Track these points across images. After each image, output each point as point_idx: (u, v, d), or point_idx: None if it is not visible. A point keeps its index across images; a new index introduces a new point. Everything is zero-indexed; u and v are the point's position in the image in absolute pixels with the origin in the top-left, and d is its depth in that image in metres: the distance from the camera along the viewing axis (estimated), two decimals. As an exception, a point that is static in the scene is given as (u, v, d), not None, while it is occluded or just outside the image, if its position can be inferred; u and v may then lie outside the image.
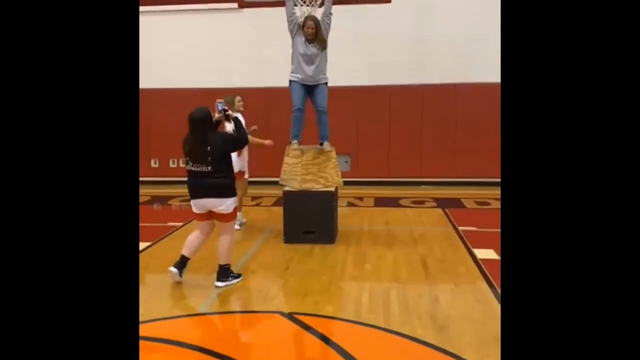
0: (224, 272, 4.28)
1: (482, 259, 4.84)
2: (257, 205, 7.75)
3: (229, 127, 4.84)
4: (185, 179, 4.20)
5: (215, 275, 4.30)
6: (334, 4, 5.55)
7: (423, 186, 9.02)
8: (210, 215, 4.22)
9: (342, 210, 6.74)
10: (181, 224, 6.51)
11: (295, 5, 5.62)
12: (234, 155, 4.51)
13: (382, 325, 3.44)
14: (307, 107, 5.74)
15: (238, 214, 5.10)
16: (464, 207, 7.53)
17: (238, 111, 5.58)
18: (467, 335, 3.27)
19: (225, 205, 4.11)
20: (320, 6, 5.69)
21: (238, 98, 5.85)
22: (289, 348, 3.30)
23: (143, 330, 3.16)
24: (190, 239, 4.34)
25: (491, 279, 4.29)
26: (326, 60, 5.63)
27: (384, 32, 8.88)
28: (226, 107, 4.38)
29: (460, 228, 6.08)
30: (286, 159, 5.87)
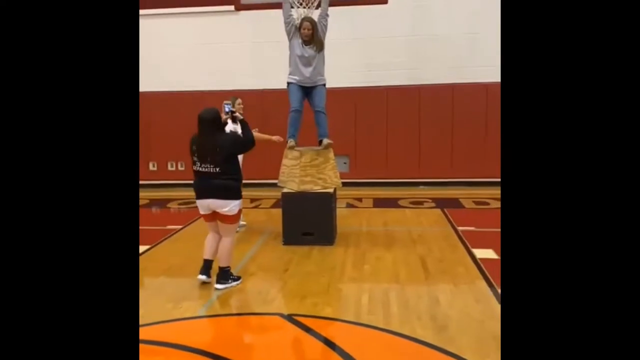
0: (224, 275, 4.29)
1: (481, 259, 4.85)
2: (256, 207, 7.75)
3: (228, 128, 4.85)
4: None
5: (214, 278, 4.30)
6: (330, 5, 5.56)
7: (421, 187, 9.03)
8: (215, 215, 4.22)
9: (341, 212, 6.74)
10: (180, 226, 6.51)
11: (292, 7, 5.63)
12: None
13: (382, 326, 3.44)
14: (305, 108, 5.75)
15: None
16: (463, 207, 7.54)
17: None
18: (467, 335, 3.28)
19: (229, 207, 4.11)
20: (316, 8, 5.70)
21: (239, 101, 5.86)
22: (289, 350, 3.30)
23: (143, 333, 3.16)
24: (207, 242, 4.36)
25: (490, 279, 4.29)
26: (324, 62, 5.64)
27: (381, 33, 8.89)
28: (233, 109, 4.42)
29: (459, 228, 6.08)
30: (284, 161, 5.87)
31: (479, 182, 8.81)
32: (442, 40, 8.78)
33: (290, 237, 5.49)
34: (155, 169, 9.62)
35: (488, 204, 7.65)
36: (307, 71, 5.52)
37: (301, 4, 5.70)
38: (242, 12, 9.19)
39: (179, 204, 8.06)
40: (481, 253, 5.04)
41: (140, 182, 8.07)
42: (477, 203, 7.73)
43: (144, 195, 8.52)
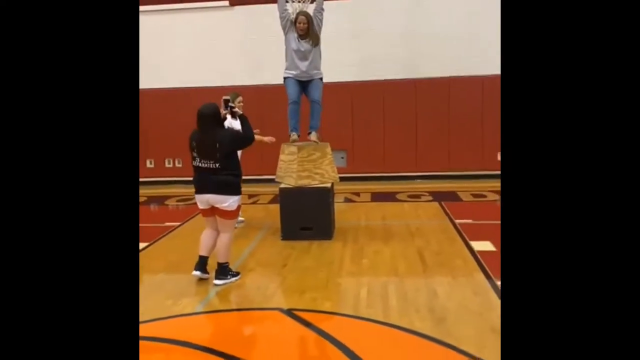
0: (223, 270, 4.29)
1: (479, 251, 4.86)
2: (254, 203, 7.75)
3: (227, 123, 4.84)
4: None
5: (213, 274, 4.31)
6: (325, -1, 5.55)
7: (418, 180, 9.04)
8: (213, 211, 4.22)
9: (339, 206, 6.75)
10: (178, 223, 6.52)
11: (287, 1, 5.61)
12: None
13: (381, 319, 3.46)
14: (303, 102, 5.75)
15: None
16: (460, 200, 7.56)
17: None
18: (465, 327, 3.29)
19: (228, 202, 4.12)
20: (312, 2, 5.69)
21: (240, 98, 5.79)
22: (290, 345, 3.31)
23: (142, 330, 3.17)
24: (203, 238, 4.36)
25: (488, 271, 4.31)
26: (320, 56, 5.63)
27: (377, 26, 8.88)
28: (233, 105, 4.41)
29: (457, 221, 6.10)
30: (282, 156, 5.87)
31: (476, 175, 8.82)
32: (438, 33, 8.76)
33: (288, 232, 5.49)
34: (152, 166, 9.61)
35: (485, 196, 7.67)
36: (303, 65, 5.51)
37: (296, -2, 5.68)
38: (237, 8, 9.18)
39: (177, 201, 8.06)
40: (479, 245, 5.05)
41: (138, 179, 8.04)
42: (474, 196, 7.74)
43: (142, 192, 8.50)
